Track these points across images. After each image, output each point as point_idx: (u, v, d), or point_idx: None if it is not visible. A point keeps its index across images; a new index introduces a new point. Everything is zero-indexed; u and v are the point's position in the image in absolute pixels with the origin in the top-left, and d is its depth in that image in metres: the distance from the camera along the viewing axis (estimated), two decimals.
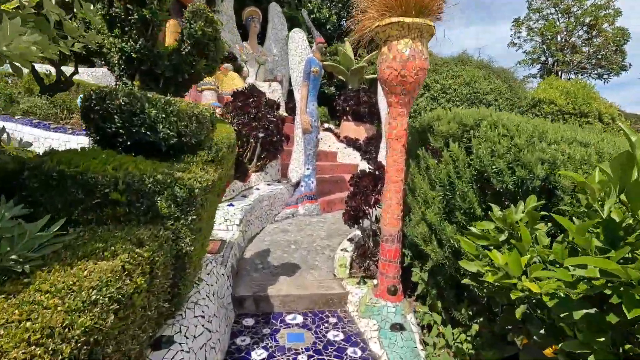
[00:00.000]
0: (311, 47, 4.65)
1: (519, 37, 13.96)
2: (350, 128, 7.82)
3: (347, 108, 7.86)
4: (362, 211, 3.18)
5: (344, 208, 3.17)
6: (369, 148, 6.82)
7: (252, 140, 4.05)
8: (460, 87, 8.25)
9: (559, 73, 13.15)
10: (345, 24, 10.08)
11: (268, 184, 4.27)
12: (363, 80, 8.64)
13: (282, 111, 7.53)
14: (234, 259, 2.71)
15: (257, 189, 3.97)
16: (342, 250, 3.10)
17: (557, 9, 12.46)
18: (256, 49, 8.15)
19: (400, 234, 2.25)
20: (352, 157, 6.92)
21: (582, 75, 13.09)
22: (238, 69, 7.62)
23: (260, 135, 4.00)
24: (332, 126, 8.80)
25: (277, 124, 4.42)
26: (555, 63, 12.97)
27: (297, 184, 4.64)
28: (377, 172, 3.36)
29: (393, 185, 2.21)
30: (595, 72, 12.69)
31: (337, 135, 7.50)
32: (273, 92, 7.64)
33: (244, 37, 8.31)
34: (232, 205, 3.19)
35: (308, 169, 4.53)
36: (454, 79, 8.31)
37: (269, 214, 3.95)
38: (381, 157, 6.58)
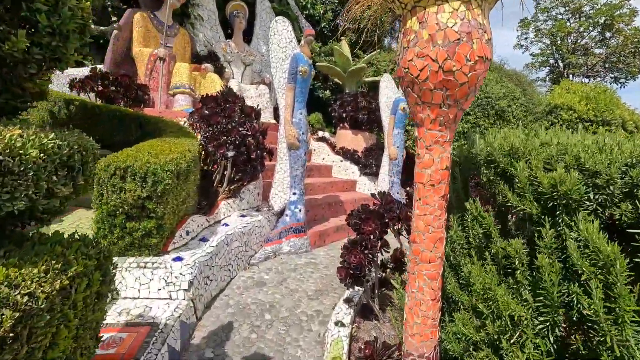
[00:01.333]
0: (299, 42, 3.72)
1: (526, 39, 13.19)
2: (348, 137, 6.90)
3: (344, 114, 6.94)
4: (366, 267, 2.25)
5: (340, 239, 2.25)
6: (368, 161, 5.89)
7: (219, 159, 3.10)
8: None
9: (570, 76, 12.37)
10: (341, 22, 9.21)
11: (242, 215, 3.32)
12: (362, 83, 7.73)
13: (269, 117, 6.60)
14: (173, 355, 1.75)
15: (226, 224, 3.01)
16: (336, 324, 2.15)
17: (567, 8, 11.71)
18: (242, 48, 7.22)
19: (437, 352, 1.30)
20: (349, 172, 5.99)
21: (594, 78, 12.31)
22: (220, 70, 6.67)
23: (230, 154, 3.05)
24: (327, 134, 7.88)
25: (255, 136, 3.48)
26: (568, 66, 12.18)
27: (281, 213, 3.69)
28: (384, 210, 2.43)
29: (426, 268, 1.26)
30: (612, 75, 11.92)
31: (332, 146, 6.57)
32: (260, 96, 6.70)
33: (228, 34, 7.39)
34: (180, 260, 2.23)
35: (295, 193, 3.59)
36: None
37: (242, 257, 3.00)
38: (383, 173, 5.66)
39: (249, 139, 3.40)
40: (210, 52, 6.80)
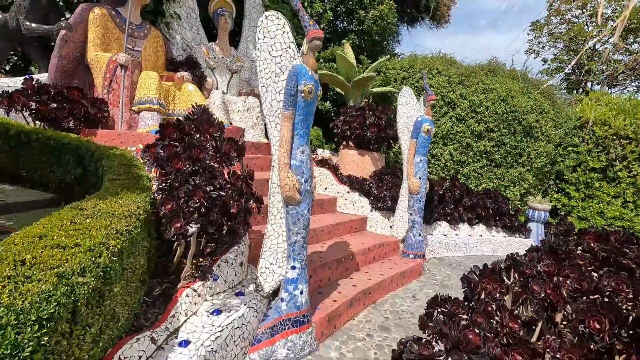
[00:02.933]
0: (299, 48, 2.60)
1: (538, 43, 12.28)
2: (353, 159, 5.80)
3: (349, 132, 5.84)
4: None
5: (354, 316, 1.57)
6: (382, 193, 4.79)
7: (175, 236, 1.97)
8: (494, 104, 6.31)
9: (589, 85, 11.48)
10: (342, 23, 8.11)
11: (215, 312, 2.18)
12: (368, 94, 6.64)
13: (260, 136, 5.46)
14: None
15: (185, 342, 1.87)
16: None
17: (583, 11, 10.84)
18: (228, 53, 6.10)
19: None
20: (358, 207, 4.89)
21: (613, 87, 11.44)
22: (201, 80, 5.53)
23: (191, 229, 1.92)
24: (327, 153, 6.76)
25: (236, 185, 2.37)
26: (588, 73, 11.27)
27: (274, 295, 2.57)
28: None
29: None
30: (636, 84, 11.05)
31: (335, 171, 5.46)
32: (249, 110, 5.58)
33: (212, 36, 6.25)
34: None
35: (294, 267, 2.47)
36: (486, 93, 6.37)
37: None
38: (401, 209, 4.56)
39: (227, 190, 2.27)
40: (189, 58, 5.66)
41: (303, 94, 2.35)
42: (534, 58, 12.19)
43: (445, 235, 5.48)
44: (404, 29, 11.05)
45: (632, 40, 10.61)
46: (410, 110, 4.42)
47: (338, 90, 6.85)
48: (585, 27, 11.33)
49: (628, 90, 11.56)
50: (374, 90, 6.45)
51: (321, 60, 7.18)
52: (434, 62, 6.69)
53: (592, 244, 3.82)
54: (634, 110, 7.11)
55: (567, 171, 7.26)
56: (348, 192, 4.93)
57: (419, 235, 4.43)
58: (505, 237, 6.29)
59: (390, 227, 4.75)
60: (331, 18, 7.29)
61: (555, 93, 7.29)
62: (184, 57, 5.70)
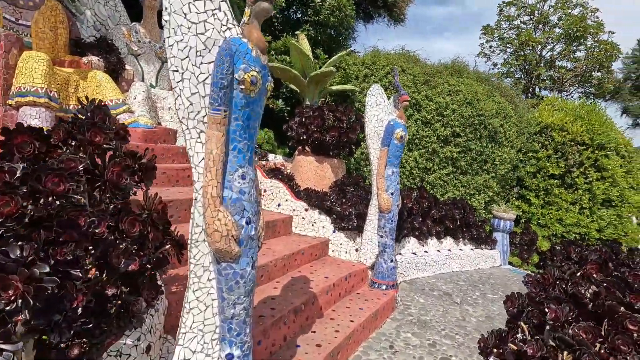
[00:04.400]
0: (238, 22, 1.66)
1: (490, 47, 12.42)
2: (311, 167, 4.98)
3: (305, 136, 5.01)
4: None
5: None
6: (346, 210, 4.02)
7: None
8: (460, 107, 5.84)
9: (537, 90, 11.81)
10: (296, 13, 7.25)
11: None
12: (326, 92, 5.85)
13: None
14: None
15: None
16: None
17: (531, 17, 11.08)
18: (157, 36, 4.96)
19: None
20: (318, 227, 4.07)
21: (560, 92, 11.87)
22: (117, 68, 4.36)
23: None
24: (281, 160, 5.89)
25: (130, 232, 1.43)
26: (537, 78, 11.55)
27: None
28: None
29: None
30: (581, 90, 11.55)
31: (290, 183, 4.59)
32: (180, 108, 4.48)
33: (136, 15, 5.06)
34: None
35: (231, 356, 1.57)
36: (452, 95, 5.89)
37: None
38: (369, 230, 3.83)
39: (115, 243, 1.33)
40: (102, 40, 4.44)
41: (243, 86, 1.47)
42: (485, 62, 12.34)
43: (414, 254, 4.87)
44: (360, 25, 10.47)
45: (575, 47, 11.07)
46: (380, 112, 3.69)
47: (292, 86, 5.99)
48: (534, 33, 11.65)
49: (572, 96, 12.12)
50: (333, 88, 5.68)
51: (272, 52, 6.27)
52: (398, 59, 6.09)
53: (594, 275, 3.25)
54: (588, 115, 7.10)
55: (528, 177, 7.08)
56: (306, 210, 4.09)
57: (391, 261, 3.73)
58: (473, 249, 5.88)
59: (357, 250, 4.00)
60: (284, 5, 6.40)
61: (516, 97, 7.08)
62: (96, 39, 4.47)
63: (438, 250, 5.32)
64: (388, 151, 3.62)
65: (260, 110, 1.63)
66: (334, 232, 4.03)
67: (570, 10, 10.86)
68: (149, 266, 1.68)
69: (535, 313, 2.42)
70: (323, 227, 4.04)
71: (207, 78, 1.49)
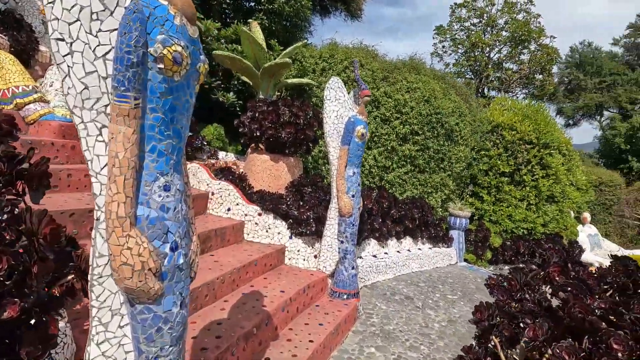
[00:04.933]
0: None
1: (442, 47, 12.73)
2: (265, 166, 4.60)
3: (259, 132, 4.61)
4: None
5: None
6: (303, 214, 3.69)
7: None
8: (418, 105, 5.75)
9: (486, 90, 12.32)
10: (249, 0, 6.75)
11: None
12: (282, 86, 5.47)
13: None
14: None
15: None
16: None
17: (481, 20, 11.49)
18: None
19: None
20: (273, 232, 3.70)
21: (506, 93, 12.46)
22: (27, 48, 3.65)
23: None
24: (232, 158, 5.42)
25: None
26: (486, 79, 12.00)
27: None
28: None
29: None
30: (525, 91, 12.20)
31: (242, 184, 4.16)
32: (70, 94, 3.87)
33: None
34: None
35: None
36: (410, 92, 5.78)
37: None
38: (329, 235, 3.53)
39: None
40: (7, 15, 3.69)
41: (162, 65, 1.07)
42: (438, 61, 12.64)
43: (375, 257, 4.68)
44: (317, 19, 10.15)
45: (520, 51, 11.68)
46: (340, 108, 3.39)
47: (244, 78, 5.53)
48: (483, 35, 12.11)
49: (518, 97, 12.82)
50: (289, 81, 5.31)
51: (222, 40, 5.74)
52: (356, 53, 5.86)
53: (557, 277, 3.16)
54: (535, 115, 7.40)
55: (481, 175, 7.23)
56: (259, 214, 3.70)
57: (352, 268, 3.47)
58: (431, 248, 5.85)
59: (315, 256, 3.69)
60: None
61: (470, 96, 7.19)
62: (1, 12, 3.71)
63: (398, 251, 5.19)
64: (348, 150, 3.35)
65: (191, 99, 1.24)
66: (290, 238, 3.68)
67: (515, 15, 11.45)
68: (37, 309, 1.23)
69: (506, 326, 2.23)
70: (279, 232, 3.68)
71: (109, 52, 1.07)
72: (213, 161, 5.04)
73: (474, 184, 7.39)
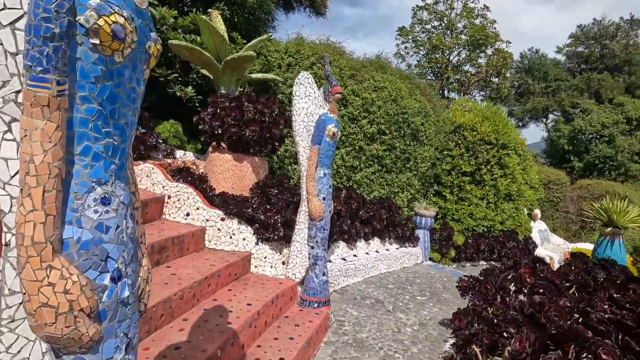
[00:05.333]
0: None
1: (405, 48, 12.94)
2: (228, 166, 4.30)
3: (221, 130, 4.31)
4: None
5: None
6: (270, 218, 3.45)
7: None
8: (385, 104, 5.70)
9: (445, 92, 12.71)
10: None
11: None
12: (245, 81, 5.17)
13: None
14: None
15: None
16: None
17: (441, 23, 11.81)
18: None
19: None
20: (237, 238, 3.42)
21: (464, 95, 12.93)
22: None
23: None
24: (191, 157, 5.05)
25: None
26: (447, 80, 12.35)
27: None
28: None
29: None
30: (482, 93, 12.72)
31: (202, 185, 3.84)
32: None
33: None
34: None
35: None
36: (377, 91, 5.72)
37: None
38: (299, 240, 3.33)
39: None
40: None
41: (96, 40, 0.81)
42: (401, 62, 12.85)
43: (344, 260, 4.54)
44: (281, 13, 9.86)
45: (477, 54, 12.16)
46: (310, 105, 3.19)
47: (204, 72, 5.15)
48: (444, 38, 12.47)
49: (475, 99, 13.36)
50: (253, 76, 5.02)
51: (179, 30, 5.32)
52: (323, 50, 5.69)
53: (528, 279, 3.18)
54: (493, 117, 7.66)
55: (444, 174, 7.36)
56: (222, 219, 3.41)
57: (323, 274, 3.29)
58: (398, 248, 5.83)
59: (284, 263, 3.47)
60: None
61: (434, 97, 7.29)
62: None
63: (367, 253, 5.10)
64: (319, 150, 3.16)
65: (138, 87, 0.98)
66: (257, 244, 3.43)
67: (473, 20, 11.92)
68: None
69: (486, 333, 2.14)
70: (244, 238, 3.41)
71: (18, 19, 0.79)
72: (170, 161, 4.65)
73: (437, 183, 7.52)
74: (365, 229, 5.14)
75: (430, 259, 6.53)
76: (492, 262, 7.83)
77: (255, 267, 3.41)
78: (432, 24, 12.54)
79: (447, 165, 7.32)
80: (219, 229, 3.38)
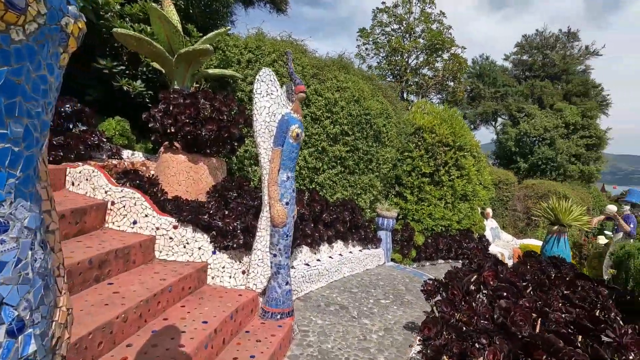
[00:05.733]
0: None
1: (366, 49, 13.05)
2: (182, 168, 3.99)
3: (174, 128, 3.98)
4: None
5: None
6: (229, 224, 3.20)
7: None
8: (348, 105, 5.64)
9: (404, 94, 12.99)
10: None
11: None
12: (201, 76, 4.85)
13: None
14: None
15: None
16: None
17: (401, 26, 12.04)
18: None
19: None
20: (192, 247, 3.14)
21: (422, 97, 13.32)
22: None
23: None
24: (141, 157, 4.65)
25: None
26: (406, 83, 12.60)
27: None
28: None
29: None
30: (439, 96, 13.14)
31: (151, 190, 3.49)
32: None
33: None
34: None
35: None
36: (340, 92, 5.63)
37: None
38: (260, 248, 3.13)
39: None
40: None
41: None
42: (361, 63, 12.96)
43: (307, 265, 4.39)
44: (240, 8, 9.48)
45: (434, 58, 12.56)
46: (272, 104, 2.99)
47: (155, 65, 4.75)
48: (403, 41, 12.74)
49: (433, 102, 13.80)
50: (210, 72, 4.70)
51: (126, 18, 4.86)
52: (285, 47, 5.48)
53: (491, 282, 3.19)
54: (451, 119, 7.89)
55: (405, 176, 7.46)
56: (175, 227, 3.11)
57: (287, 283, 3.11)
58: (361, 251, 5.79)
59: (244, 272, 3.24)
60: None
61: (395, 98, 7.35)
62: None
63: (330, 257, 4.99)
64: (282, 152, 2.97)
65: (50, 76, 0.75)
66: (214, 253, 3.17)
67: (431, 25, 12.32)
68: None
69: (455, 342, 2.09)
70: (199, 247, 3.14)
71: None
72: (115, 162, 4.22)
73: (398, 184, 7.60)
74: (328, 232, 5.02)
75: (392, 259, 6.57)
76: (450, 261, 8.09)
77: (213, 278, 3.14)
78: (392, 27, 12.81)
79: (407, 167, 7.42)
80: (171, 238, 3.07)
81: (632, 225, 6.99)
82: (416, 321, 3.94)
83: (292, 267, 4.18)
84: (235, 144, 4.43)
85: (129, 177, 3.53)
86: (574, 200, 12.37)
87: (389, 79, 13.07)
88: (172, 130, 4.05)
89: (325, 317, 3.63)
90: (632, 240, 6.75)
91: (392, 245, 6.61)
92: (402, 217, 7.42)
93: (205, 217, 3.17)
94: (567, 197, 13.80)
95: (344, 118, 5.62)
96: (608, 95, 23.07)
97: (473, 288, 2.70)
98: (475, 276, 3.17)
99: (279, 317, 3.05)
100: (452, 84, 13.11)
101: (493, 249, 9.46)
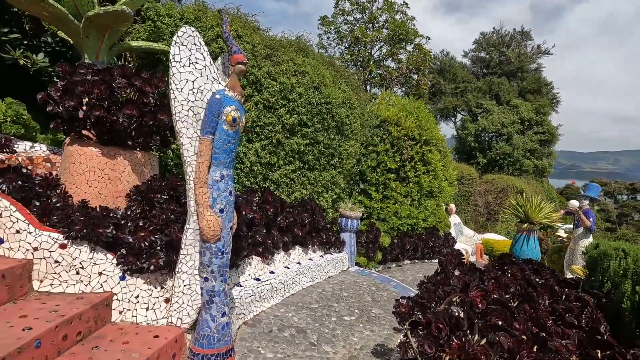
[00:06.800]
0: None
1: (328, 38, 12.37)
2: (95, 164, 3.10)
3: (79, 112, 3.08)
4: None
5: None
6: (146, 238, 2.40)
7: None
8: (307, 92, 4.95)
9: (367, 86, 12.51)
10: None
11: None
12: (123, 50, 3.92)
13: None
14: None
15: None
16: None
17: (364, 15, 11.51)
18: None
19: None
20: (89, 274, 2.30)
21: (385, 89, 12.91)
22: None
23: None
24: (43, 151, 3.69)
25: None
26: (369, 74, 12.10)
27: None
28: None
29: None
30: (403, 89, 12.77)
31: (44, 195, 2.59)
32: None
33: None
34: None
35: None
36: (298, 76, 4.93)
37: None
38: (186, 270, 2.36)
39: None
40: None
41: None
42: (323, 53, 12.30)
43: (258, 280, 3.66)
44: None
45: (398, 49, 12.17)
46: (198, 77, 2.22)
47: (62, 35, 3.76)
48: (366, 30, 12.22)
49: (397, 94, 13.45)
50: (134, 44, 3.80)
51: None
52: (233, 22, 4.66)
53: (479, 304, 2.58)
54: (417, 112, 7.45)
55: (369, 171, 6.92)
56: (62, 246, 2.25)
57: (223, 315, 2.38)
58: (323, 256, 5.15)
59: (167, 301, 2.46)
60: None
61: (359, 87, 6.76)
62: None
63: (286, 267, 4.30)
64: (213, 142, 2.22)
65: None
66: (122, 278, 2.36)
67: (394, 15, 11.92)
68: None
69: None
70: (100, 272, 2.31)
71: None
72: (3, 156, 3.24)
73: (362, 181, 7.05)
74: (284, 237, 4.32)
75: (357, 264, 6.02)
76: (416, 261, 7.70)
77: (122, 313, 2.33)
78: (355, 16, 12.25)
79: (372, 162, 6.88)
80: (57, 262, 2.22)
81: (591, 220, 6.93)
82: (385, 343, 3.37)
83: (239, 284, 3.44)
84: (168, 133, 3.59)
85: (7, 178, 2.59)
86: (528, 195, 12.60)
87: (351, 70, 12.52)
88: (80, 116, 3.15)
89: (277, 348, 2.94)
90: (591, 235, 6.69)
91: (357, 248, 6.05)
92: (366, 216, 6.87)
93: (109, 230, 2.34)
94: (523, 191, 14.11)
95: (302, 107, 4.92)
96: (558, 93, 24.25)
97: (461, 321, 2.13)
98: (460, 296, 2.61)
99: (212, 359, 2.31)
100: (415, 76, 12.86)
101: (457, 245, 9.25)
